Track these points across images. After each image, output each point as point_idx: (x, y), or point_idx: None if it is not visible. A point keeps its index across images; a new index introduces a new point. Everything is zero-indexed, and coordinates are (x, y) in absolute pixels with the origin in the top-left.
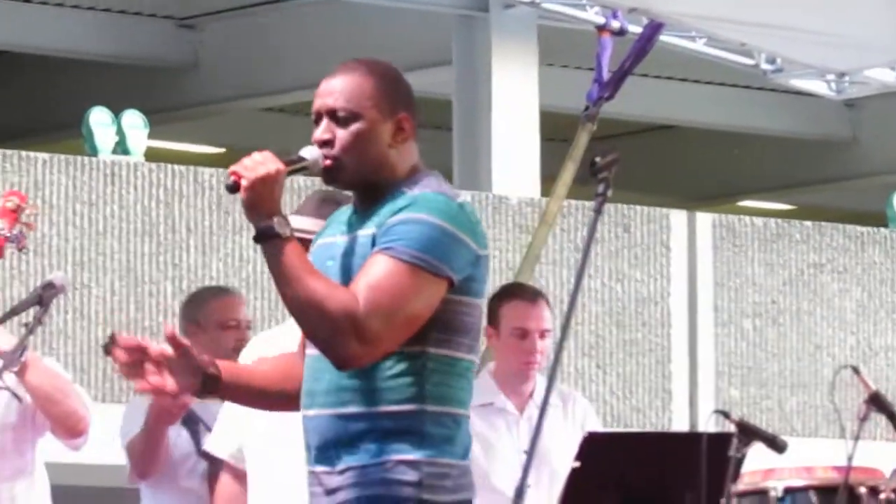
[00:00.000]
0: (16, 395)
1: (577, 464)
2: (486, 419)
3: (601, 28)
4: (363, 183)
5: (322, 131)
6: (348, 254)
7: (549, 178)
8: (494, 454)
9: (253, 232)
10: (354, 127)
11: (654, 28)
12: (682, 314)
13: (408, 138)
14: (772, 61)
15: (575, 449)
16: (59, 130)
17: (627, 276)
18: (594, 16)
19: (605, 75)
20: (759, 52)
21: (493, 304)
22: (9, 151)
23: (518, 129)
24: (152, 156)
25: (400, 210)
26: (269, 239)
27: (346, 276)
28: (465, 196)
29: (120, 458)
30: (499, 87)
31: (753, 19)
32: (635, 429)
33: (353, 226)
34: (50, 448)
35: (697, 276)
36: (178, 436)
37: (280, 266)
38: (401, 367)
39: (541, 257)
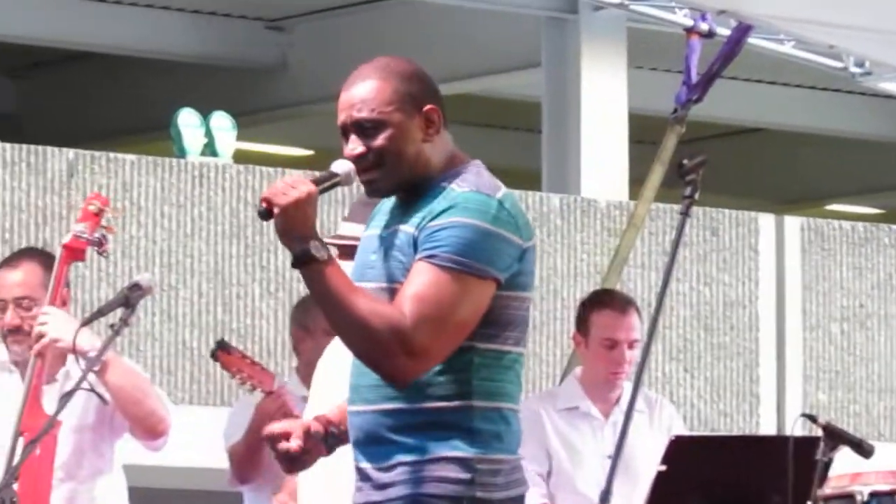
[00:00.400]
0: (100, 397)
1: (663, 467)
2: (571, 423)
3: (690, 30)
4: (404, 185)
5: (352, 146)
6: (389, 248)
7: (637, 181)
8: (579, 458)
9: (290, 258)
10: (384, 135)
11: (743, 30)
12: (770, 318)
13: (439, 129)
14: (860, 64)
15: (660, 454)
16: (148, 132)
17: (715, 279)
18: (683, 18)
19: (694, 78)
20: (847, 55)
21: (583, 312)
22: (97, 153)
23: (607, 132)
24: (240, 158)
25: (440, 213)
26: (307, 264)
27: (387, 270)
28: (554, 199)
29: (206, 460)
30: (588, 90)
31: (842, 21)
32: (722, 433)
33: (395, 219)
34: (133, 449)
35: (786, 279)
36: None
37: (321, 290)
38: (447, 362)
39: (628, 261)
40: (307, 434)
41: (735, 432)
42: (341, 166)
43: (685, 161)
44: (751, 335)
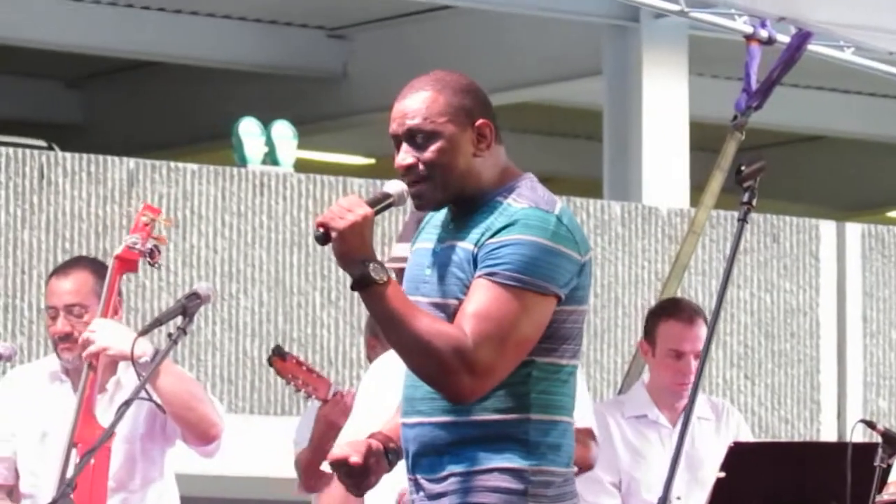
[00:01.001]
0: (158, 406)
1: (723, 474)
2: (639, 431)
3: (750, 37)
4: (454, 198)
5: (403, 156)
6: (446, 264)
7: (698, 188)
8: (647, 466)
9: (350, 280)
10: (435, 146)
11: (803, 37)
12: (830, 325)
13: (491, 143)
14: None
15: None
16: (209, 141)
17: (776, 286)
18: (743, 25)
19: (754, 85)
20: None
21: (651, 321)
22: (158, 162)
23: (668, 140)
24: (301, 166)
25: (500, 230)
26: (366, 286)
27: (443, 285)
28: (615, 207)
29: (266, 469)
30: (649, 98)
31: None
32: (784, 439)
33: (450, 234)
34: (190, 458)
35: (847, 286)
36: None
37: (382, 312)
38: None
39: (689, 267)
40: (369, 451)
41: (796, 439)
42: (394, 187)
43: (743, 167)
44: (812, 342)
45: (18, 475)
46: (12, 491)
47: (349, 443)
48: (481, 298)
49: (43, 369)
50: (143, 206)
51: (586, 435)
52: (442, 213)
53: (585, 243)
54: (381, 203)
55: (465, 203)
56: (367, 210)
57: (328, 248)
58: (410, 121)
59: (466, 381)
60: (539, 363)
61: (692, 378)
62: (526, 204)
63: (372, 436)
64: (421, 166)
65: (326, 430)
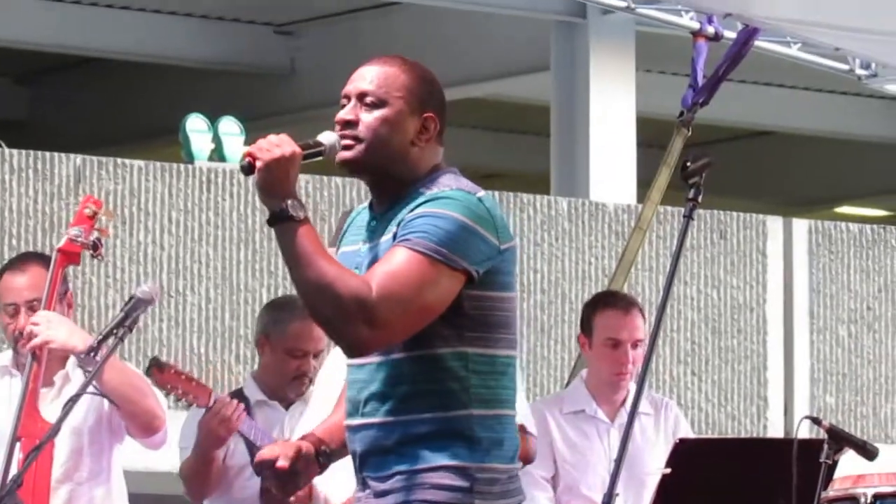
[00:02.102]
0: (109, 399)
1: (668, 470)
2: (577, 426)
3: (696, 33)
4: (378, 173)
5: (347, 112)
6: (374, 261)
7: (645, 184)
8: (585, 462)
9: (267, 214)
10: (380, 113)
11: (750, 33)
12: (777, 321)
13: (431, 139)
14: (867, 66)
15: (666, 456)
16: (156, 137)
17: (723, 282)
18: (689, 21)
19: (700, 81)
20: (853, 58)
21: (587, 313)
22: (105, 158)
23: (615, 136)
24: None
25: (420, 205)
26: (282, 221)
27: None
28: (562, 202)
29: None
30: (596, 93)
31: (848, 24)
32: (731, 436)
33: (374, 232)
34: (137, 454)
35: (794, 282)
36: (234, 447)
37: (293, 248)
38: (442, 370)
39: (636, 264)
40: (298, 454)
41: (743, 435)
42: (327, 137)
43: (689, 163)
44: (759, 338)
45: None
46: None
47: (280, 443)
48: (391, 260)
49: None
50: (85, 199)
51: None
52: (364, 216)
53: (506, 230)
54: (311, 149)
55: (386, 187)
56: (296, 149)
57: (274, 244)
58: (367, 84)
59: (364, 330)
60: (472, 355)
61: (630, 368)
62: (447, 186)
63: (304, 437)
64: (360, 125)
65: (207, 439)
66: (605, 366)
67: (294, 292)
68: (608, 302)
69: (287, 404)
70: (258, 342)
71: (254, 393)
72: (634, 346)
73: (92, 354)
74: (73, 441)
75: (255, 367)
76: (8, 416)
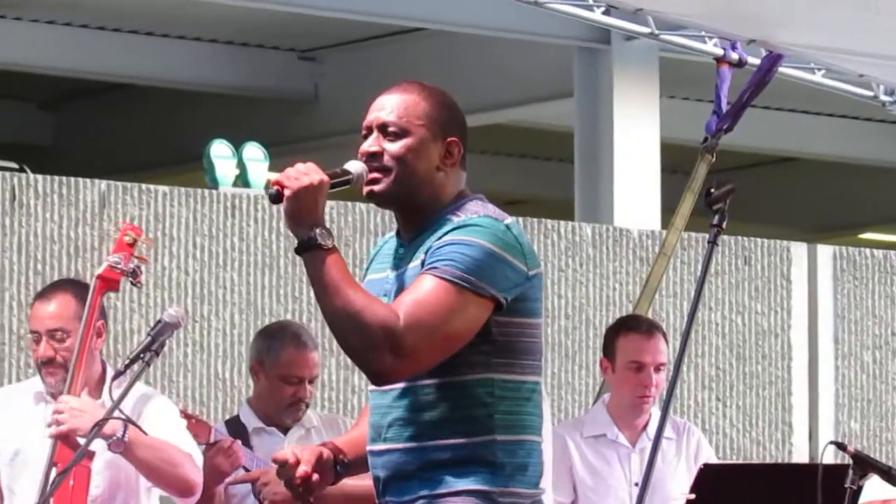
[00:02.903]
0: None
1: (693, 496)
2: (598, 451)
3: (720, 60)
4: (405, 202)
5: (370, 143)
6: (402, 288)
7: (669, 210)
8: (606, 487)
9: (295, 242)
10: (404, 142)
11: (773, 59)
12: (802, 347)
13: (455, 163)
14: (891, 93)
15: (688, 482)
16: (180, 163)
17: (748, 308)
18: (713, 48)
19: (724, 107)
20: (877, 84)
21: (609, 337)
22: (129, 184)
23: (639, 162)
24: None
25: (447, 233)
26: (310, 249)
27: None
28: (586, 228)
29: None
30: (620, 120)
31: (872, 51)
32: (755, 461)
33: (402, 260)
34: None
35: (818, 308)
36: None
37: (321, 277)
38: (468, 397)
39: (660, 289)
40: (319, 460)
41: (768, 461)
42: (355, 166)
43: (713, 189)
44: (783, 364)
45: (2, 494)
46: None
47: (302, 448)
48: (419, 288)
49: (29, 389)
50: (125, 226)
51: None
52: (391, 244)
53: (534, 257)
54: (339, 177)
55: (414, 215)
56: (324, 177)
57: (300, 270)
58: (387, 114)
59: (389, 359)
60: (498, 381)
61: (653, 391)
62: (474, 213)
63: (323, 444)
64: (385, 157)
65: (210, 476)
66: (628, 389)
67: (317, 318)
68: (630, 326)
69: (285, 430)
70: (252, 369)
71: (250, 420)
72: (657, 369)
73: (121, 435)
74: (111, 475)
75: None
76: (40, 441)
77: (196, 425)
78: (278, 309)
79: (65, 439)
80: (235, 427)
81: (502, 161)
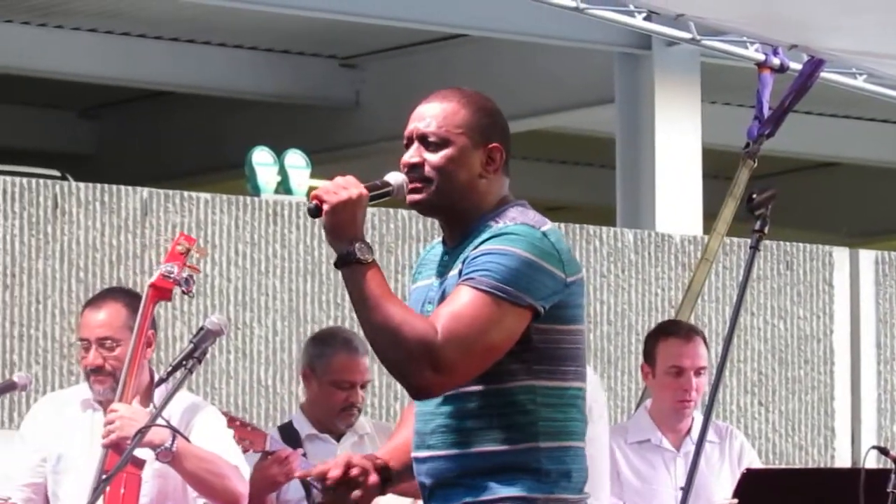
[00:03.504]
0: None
1: (735, 501)
2: (643, 456)
3: (762, 65)
4: (448, 210)
5: (411, 154)
6: (444, 298)
7: (711, 216)
8: (652, 491)
9: (334, 257)
10: (444, 152)
11: (815, 65)
12: (844, 351)
13: (498, 169)
14: None
15: (732, 485)
16: (222, 170)
17: (790, 313)
18: (755, 53)
19: (766, 112)
20: None
21: (649, 342)
22: (171, 192)
23: (680, 167)
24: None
25: (484, 241)
26: (350, 264)
27: None
28: (628, 234)
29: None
30: (661, 125)
31: None
32: (798, 466)
33: (446, 267)
34: None
35: (860, 313)
36: (289, 483)
37: (360, 291)
38: (510, 404)
39: (702, 294)
40: (349, 465)
41: (810, 465)
42: (395, 177)
43: (754, 195)
44: (826, 369)
45: (48, 501)
46: None
47: (336, 460)
48: (456, 300)
49: (76, 396)
50: (179, 235)
51: None
52: (437, 250)
53: (573, 263)
54: (379, 190)
55: (457, 222)
56: (363, 191)
57: (341, 276)
58: (427, 125)
59: (428, 374)
60: (540, 388)
61: (694, 395)
62: (513, 220)
63: (365, 457)
64: (427, 167)
65: (263, 485)
66: (669, 394)
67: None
68: (670, 331)
69: (337, 436)
70: (304, 375)
71: (303, 426)
72: (697, 373)
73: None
74: (160, 483)
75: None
76: (86, 448)
77: (252, 433)
78: (320, 315)
79: (116, 448)
80: (288, 433)
81: (544, 167)
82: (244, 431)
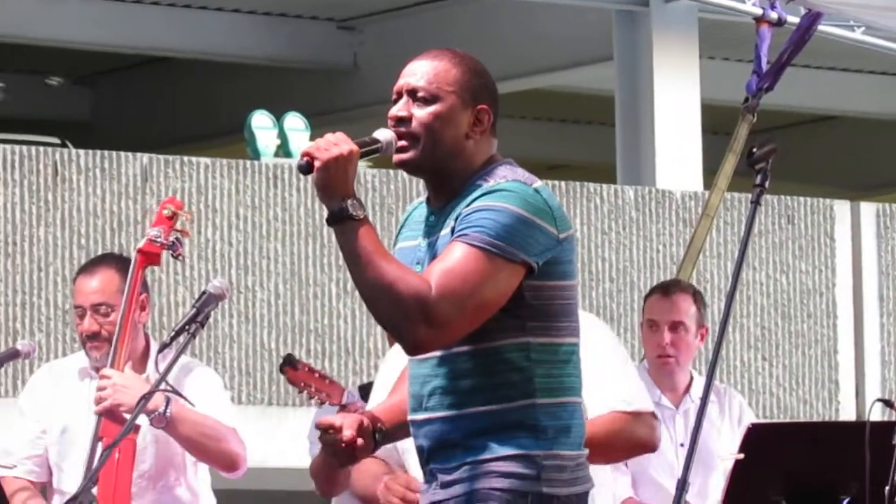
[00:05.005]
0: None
1: (741, 455)
2: None
3: (759, 19)
4: (435, 169)
5: (399, 108)
6: (433, 258)
7: (712, 171)
8: None
9: (326, 214)
10: (433, 108)
11: (813, 18)
12: (847, 305)
13: (485, 131)
14: None
15: (733, 443)
16: (221, 135)
17: (792, 267)
18: (752, 7)
19: (765, 66)
20: None
21: (644, 301)
22: (171, 157)
23: (680, 123)
24: None
25: (476, 199)
26: (342, 221)
27: None
28: (628, 191)
29: (285, 460)
30: (660, 82)
31: None
32: (802, 420)
33: (433, 227)
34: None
35: (862, 266)
36: None
37: (353, 248)
38: (504, 362)
39: (704, 250)
40: (360, 427)
41: (815, 419)
42: (383, 134)
43: (755, 149)
44: (829, 322)
45: (51, 471)
46: (45, 487)
47: (343, 415)
48: (450, 256)
49: (73, 365)
50: (166, 200)
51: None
52: (421, 210)
53: (564, 220)
54: (368, 146)
55: (444, 182)
56: (354, 147)
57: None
58: (418, 80)
59: (422, 330)
60: (535, 345)
61: (670, 350)
62: (503, 178)
63: (362, 413)
64: (414, 122)
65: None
66: (648, 349)
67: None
68: (656, 287)
69: None
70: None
71: None
72: (673, 328)
73: (163, 411)
74: (157, 449)
75: (327, 361)
76: (87, 418)
77: (329, 386)
78: (322, 278)
79: (109, 415)
80: (367, 392)
81: (543, 126)
82: (322, 383)
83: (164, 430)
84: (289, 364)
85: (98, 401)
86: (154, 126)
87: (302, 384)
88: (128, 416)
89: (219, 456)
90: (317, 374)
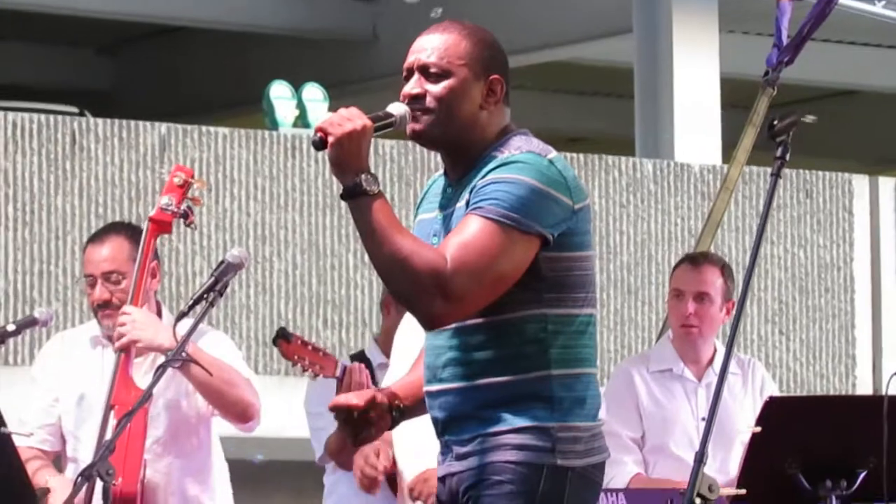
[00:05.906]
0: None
1: (758, 429)
2: (664, 385)
3: None
4: (450, 142)
5: (412, 85)
6: (449, 231)
7: (730, 145)
8: (673, 421)
9: (340, 189)
10: (446, 83)
11: None
12: (865, 279)
13: (499, 101)
14: None
15: (755, 415)
16: (240, 105)
17: (810, 241)
18: None
19: (785, 40)
20: None
21: (672, 273)
22: (189, 126)
23: (699, 96)
24: None
25: (491, 171)
26: (356, 196)
27: None
28: (647, 164)
29: (302, 431)
30: (680, 55)
31: None
32: (819, 394)
33: (451, 200)
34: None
35: (881, 240)
36: None
37: (368, 223)
38: (520, 333)
39: (723, 224)
40: (373, 403)
41: (832, 393)
42: (397, 108)
43: (775, 122)
44: (846, 296)
45: (65, 440)
46: (59, 457)
47: (355, 393)
48: (465, 230)
49: (85, 334)
50: (175, 168)
51: None
52: (440, 183)
53: (580, 190)
54: (382, 121)
55: (459, 154)
56: (367, 122)
57: None
58: (428, 56)
59: (438, 303)
60: (551, 316)
61: (694, 321)
62: (518, 149)
63: (379, 390)
64: (428, 98)
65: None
66: (673, 319)
67: None
68: (684, 259)
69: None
70: (383, 304)
71: (375, 356)
72: (699, 298)
73: (179, 351)
74: (172, 415)
75: (344, 331)
76: (102, 386)
77: (322, 358)
78: (340, 249)
79: (127, 351)
80: (360, 361)
81: (562, 98)
82: (315, 356)
83: (179, 371)
84: (282, 337)
85: (117, 336)
86: (173, 96)
87: (295, 357)
88: (138, 361)
89: (234, 403)
90: (310, 347)
